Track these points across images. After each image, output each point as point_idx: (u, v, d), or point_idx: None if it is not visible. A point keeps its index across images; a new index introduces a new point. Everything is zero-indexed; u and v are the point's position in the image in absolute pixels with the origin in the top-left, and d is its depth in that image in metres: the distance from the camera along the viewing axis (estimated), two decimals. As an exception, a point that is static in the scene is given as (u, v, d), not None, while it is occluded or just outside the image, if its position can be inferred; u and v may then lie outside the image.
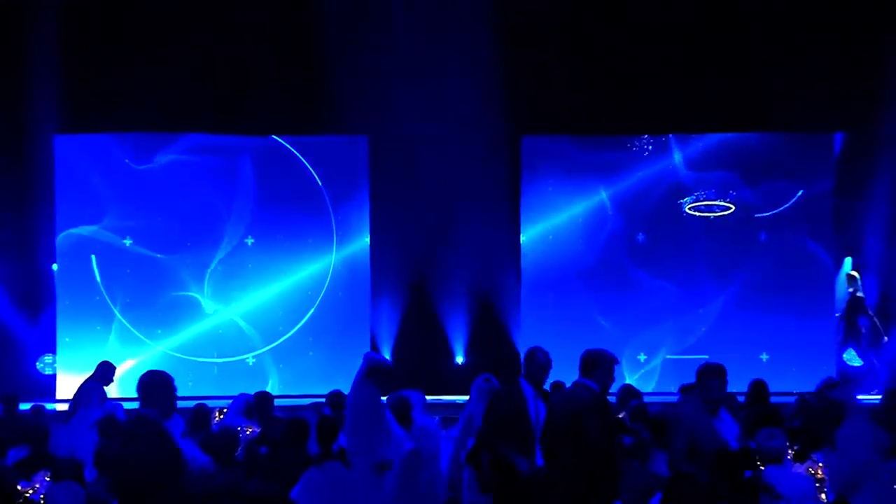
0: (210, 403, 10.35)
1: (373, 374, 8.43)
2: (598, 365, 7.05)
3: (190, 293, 15.44)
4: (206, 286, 15.47)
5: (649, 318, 15.58)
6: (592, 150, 15.85)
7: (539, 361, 7.58)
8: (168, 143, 15.38)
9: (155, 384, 6.12)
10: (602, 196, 15.83)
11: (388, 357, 15.27)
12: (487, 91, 14.39)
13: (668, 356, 15.53)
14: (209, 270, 15.42)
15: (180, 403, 10.08)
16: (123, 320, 15.26)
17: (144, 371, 6.36)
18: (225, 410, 10.23)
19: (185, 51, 14.53)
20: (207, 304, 15.49)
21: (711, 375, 7.10)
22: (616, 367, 7.16)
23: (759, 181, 15.67)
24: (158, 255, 15.35)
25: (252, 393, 10.38)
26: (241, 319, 15.53)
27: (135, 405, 10.57)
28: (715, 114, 15.28)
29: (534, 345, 7.86)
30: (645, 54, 14.97)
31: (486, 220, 15.27)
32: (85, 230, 15.24)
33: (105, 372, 11.30)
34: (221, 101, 14.87)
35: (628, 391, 10.10)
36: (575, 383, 7.12)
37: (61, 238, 15.15)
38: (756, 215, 15.70)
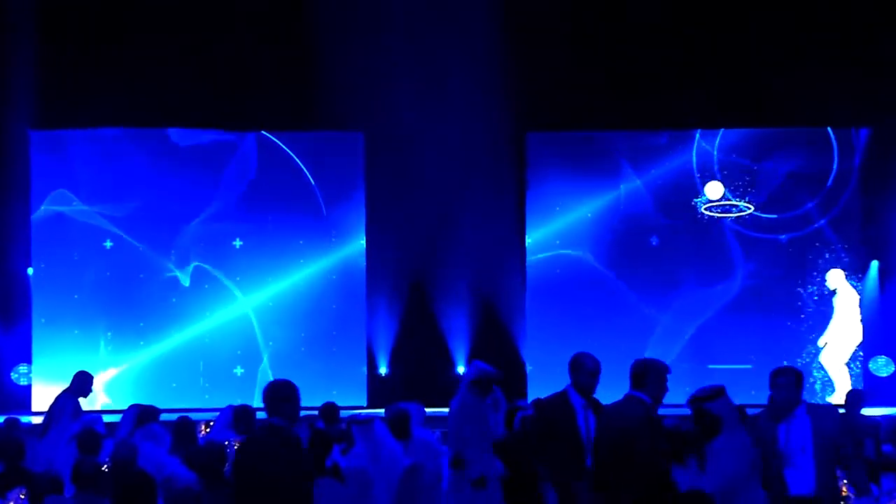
0: (196, 416, 10.34)
1: (480, 384, 8.42)
2: (648, 376, 6.92)
3: (174, 299, 15.43)
4: (192, 291, 15.46)
5: (663, 324, 15.58)
6: (602, 148, 15.85)
7: (588, 368, 7.45)
8: (152, 139, 15.38)
9: (282, 393, 6.21)
10: (612, 196, 15.82)
11: (386, 368, 15.30)
12: (490, 85, 14.37)
13: (683, 364, 15.52)
14: (176, 264, 15.41)
15: (164, 416, 10.13)
16: (104, 328, 15.26)
17: (268, 381, 6.49)
18: (212, 423, 10.22)
19: (174, 44, 14.54)
20: (194, 309, 15.49)
21: (781, 374, 7.02)
22: (665, 376, 7.05)
23: (779, 179, 15.66)
24: (140, 259, 15.34)
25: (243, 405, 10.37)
26: (227, 328, 15.52)
27: (115, 417, 10.61)
28: (727, 110, 15.28)
29: (580, 350, 7.71)
30: (655, 48, 14.97)
31: (488, 220, 15.27)
32: (64, 222, 15.23)
33: (81, 383, 11.26)
34: (210, 95, 14.87)
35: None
36: (626, 396, 6.96)
37: (36, 235, 15.15)
38: (776, 215, 15.70)
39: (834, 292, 15.59)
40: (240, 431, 9.60)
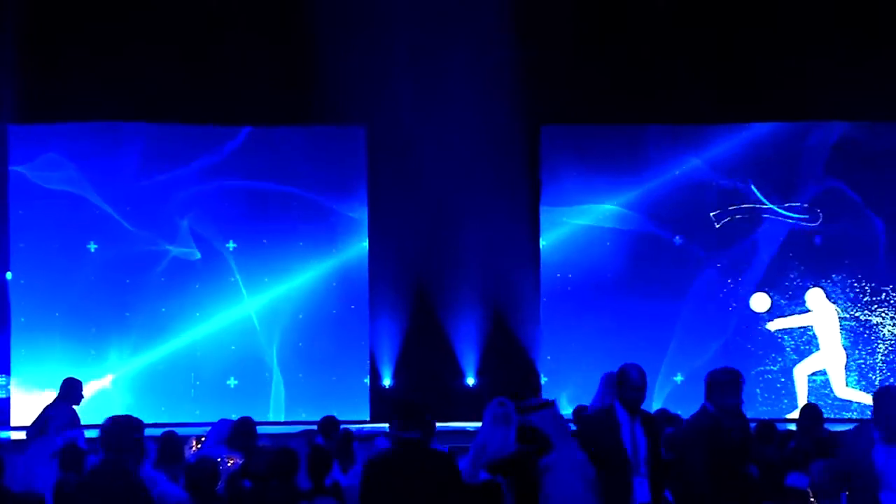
0: (187, 431, 10.33)
1: None
2: (710, 385, 7.11)
3: (163, 307, 15.42)
4: (181, 295, 15.45)
5: (689, 331, 15.54)
6: (622, 142, 15.82)
7: (632, 382, 7.39)
8: (138, 133, 15.37)
9: (417, 407, 6.43)
10: (634, 194, 15.80)
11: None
12: (500, 75, 14.36)
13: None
14: (164, 273, 15.41)
15: (150, 431, 10.13)
16: (89, 335, 15.26)
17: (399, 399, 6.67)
18: (203, 438, 10.22)
19: (169, 36, 14.56)
20: (183, 320, 15.48)
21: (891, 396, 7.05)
22: (742, 385, 7.10)
23: (813, 177, 15.62)
24: (126, 262, 15.32)
25: (235, 418, 10.36)
26: (221, 336, 15.51)
27: (96, 433, 10.60)
28: (752, 102, 15.26)
29: (626, 362, 7.71)
30: (680, 35, 14.97)
31: (500, 221, 15.26)
32: (45, 222, 15.23)
33: (71, 390, 11.29)
34: (205, 88, 14.87)
35: (663, 417, 10.04)
36: (700, 406, 7.19)
37: (16, 239, 15.18)
38: (808, 215, 15.65)
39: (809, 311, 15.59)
40: (237, 447, 9.59)
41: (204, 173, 15.53)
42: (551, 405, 6.95)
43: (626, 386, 7.42)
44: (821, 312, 15.51)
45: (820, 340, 15.53)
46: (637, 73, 15.04)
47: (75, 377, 11.54)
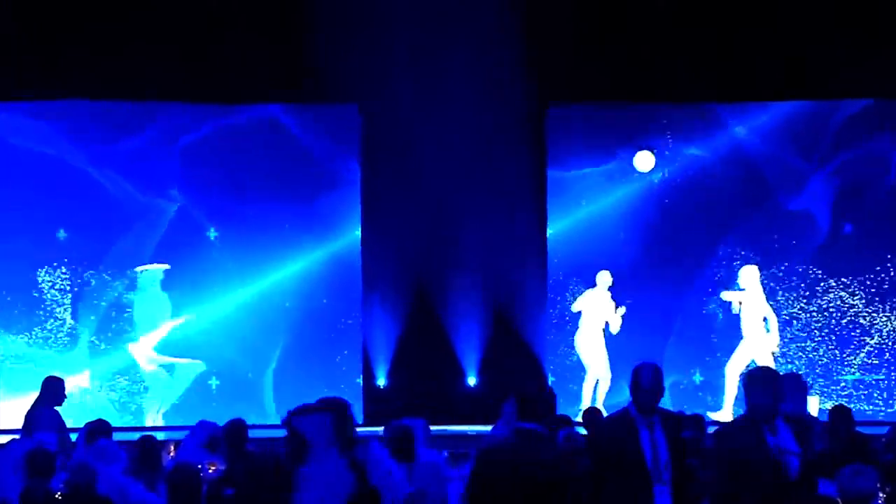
0: (164, 435, 10.30)
1: None
2: (744, 385, 7.14)
3: (138, 299, 15.37)
4: (157, 291, 15.40)
5: (707, 329, 15.49)
6: (635, 123, 15.80)
7: (642, 385, 7.28)
8: (114, 113, 15.32)
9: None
10: (648, 179, 15.75)
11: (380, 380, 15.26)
12: (503, 51, 14.35)
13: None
14: (144, 269, 15.37)
15: (125, 436, 10.10)
16: (58, 331, 15.24)
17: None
18: (179, 444, 10.21)
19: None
20: (165, 313, 15.46)
21: None
22: (769, 386, 7.03)
23: (832, 158, 15.60)
24: (97, 250, 15.27)
25: (215, 422, 10.32)
26: (202, 333, 15.47)
27: (75, 435, 10.55)
28: (770, 80, 15.25)
29: (641, 361, 7.66)
30: (696, 8, 14.96)
31: (503, 209, 15.30)
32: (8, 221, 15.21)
33: (52, 389, 11.28)
34: (180, 62, 14.84)
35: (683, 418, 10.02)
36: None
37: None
38: (836, 201, 15.62)
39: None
40: (221, 450, 9.55)
41: (175, 156, 15.45)
42: (324, 410, 6.87)
43: (637, 389, 7.37)
44: (751, 291, 15.19)
45: (744, 325, 15.06)
46: (643, 58, 15.02)
47: (56, 376, 11.52)
